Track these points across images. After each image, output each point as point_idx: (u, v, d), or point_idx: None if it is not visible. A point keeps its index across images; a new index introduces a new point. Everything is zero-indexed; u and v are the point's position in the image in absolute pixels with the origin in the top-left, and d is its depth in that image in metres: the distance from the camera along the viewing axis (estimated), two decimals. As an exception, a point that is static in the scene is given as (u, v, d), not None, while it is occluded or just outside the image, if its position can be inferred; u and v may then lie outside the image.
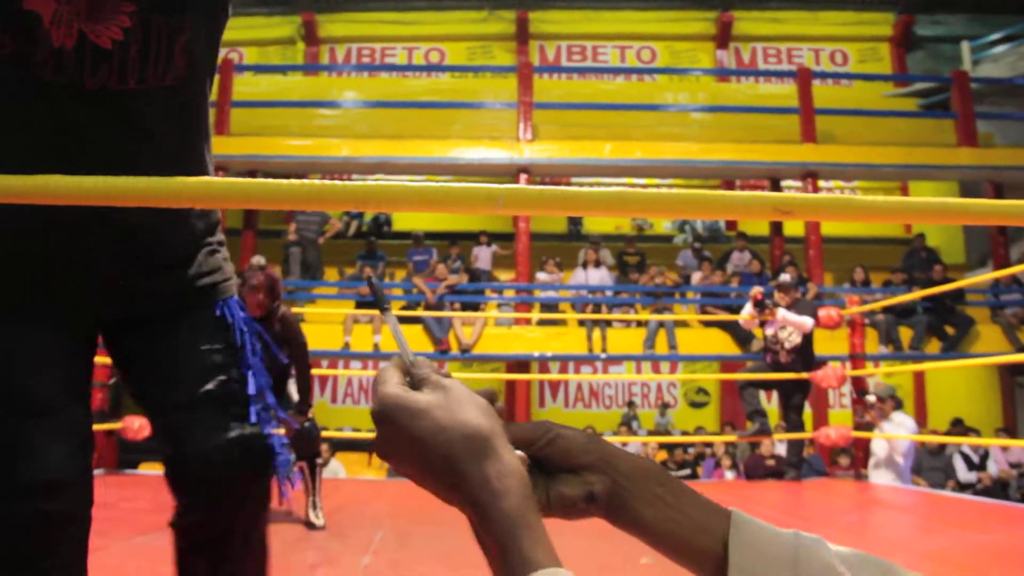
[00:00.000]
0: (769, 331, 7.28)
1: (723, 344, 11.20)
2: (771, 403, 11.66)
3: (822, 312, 7.23)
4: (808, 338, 7.14)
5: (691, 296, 11.71)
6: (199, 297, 1.55)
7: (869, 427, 7.29)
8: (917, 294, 9.63)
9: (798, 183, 12.62)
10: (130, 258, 1.48)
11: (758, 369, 7.43)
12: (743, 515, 0.69)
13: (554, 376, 12.86)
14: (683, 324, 11.21)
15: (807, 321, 7.00)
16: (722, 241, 13.92)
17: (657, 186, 15.08)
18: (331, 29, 15.71)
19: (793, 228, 12.62)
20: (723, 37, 15.46)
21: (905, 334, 11.41)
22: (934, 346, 11.47)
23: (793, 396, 7.21)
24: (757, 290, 7.37)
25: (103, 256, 1.45)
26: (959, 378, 13.42)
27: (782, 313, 7.07)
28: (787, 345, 7.11)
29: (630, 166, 12.10)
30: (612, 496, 0.70)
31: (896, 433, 7.20)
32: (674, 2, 15.49)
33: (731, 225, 14.16)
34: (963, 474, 10.62)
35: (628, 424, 12.95)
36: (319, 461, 4.49)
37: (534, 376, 12.46)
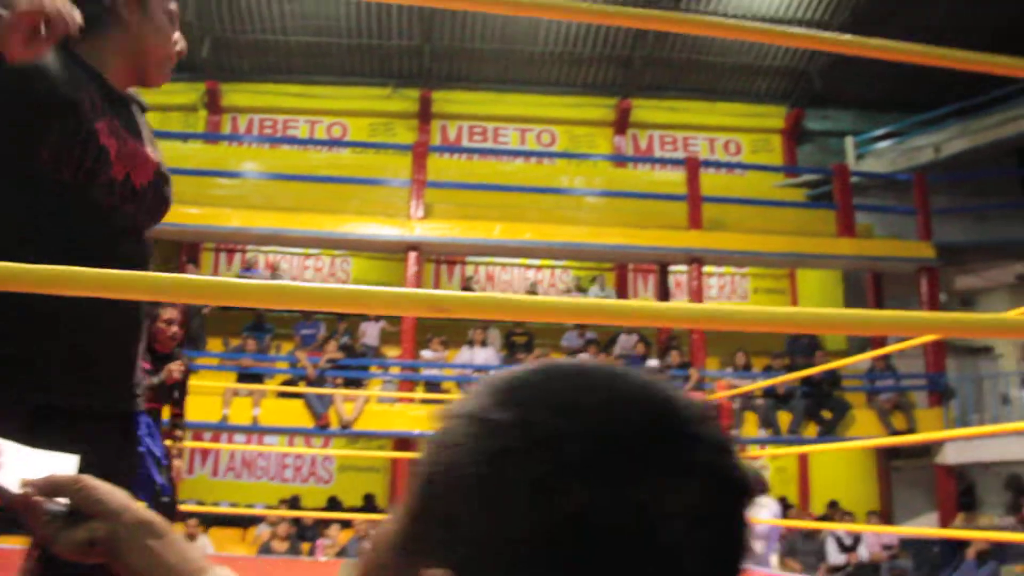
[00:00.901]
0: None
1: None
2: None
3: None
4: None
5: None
6: None
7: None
8: (778, 378, 9.82)
9: (684, 268, 12.87)
10: None
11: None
12: (221, 569, 0.81)
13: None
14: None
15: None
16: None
17: (552, 267, 15.27)
18: (234, 99, 15.68)
19: (679, 312, 12.82)
20: (621, 123, 15.84)
21: (784, 418, 11.62)
22: (812, 430, 11.69)
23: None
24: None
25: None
26: (838, 462, 13.66)
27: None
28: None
29: (520, 247, 12.23)
30: (110, 543, 0.80)
31: (758, 516, 7.27)
32: (575, 88, 15.85)
33: (624, 306, 14.34)
34: (834, 556, 10.75)
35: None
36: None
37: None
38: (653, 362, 7.58)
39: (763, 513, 7.35)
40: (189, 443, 11.62)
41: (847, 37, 1.87)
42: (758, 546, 7.24)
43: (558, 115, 15.89)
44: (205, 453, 14.04)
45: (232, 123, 15.85)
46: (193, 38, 14.66)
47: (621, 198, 13.20)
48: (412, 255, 11.95)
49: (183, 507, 10.60)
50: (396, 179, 12.57)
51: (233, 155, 14.08)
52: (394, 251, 12.60)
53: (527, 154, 15.54)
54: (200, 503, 12.06)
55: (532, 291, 14.59)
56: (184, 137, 14.76)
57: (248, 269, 13.75)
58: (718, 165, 15.20)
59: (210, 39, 14.84)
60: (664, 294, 13.95)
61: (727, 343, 12.91)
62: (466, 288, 14.46)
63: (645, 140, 16.14)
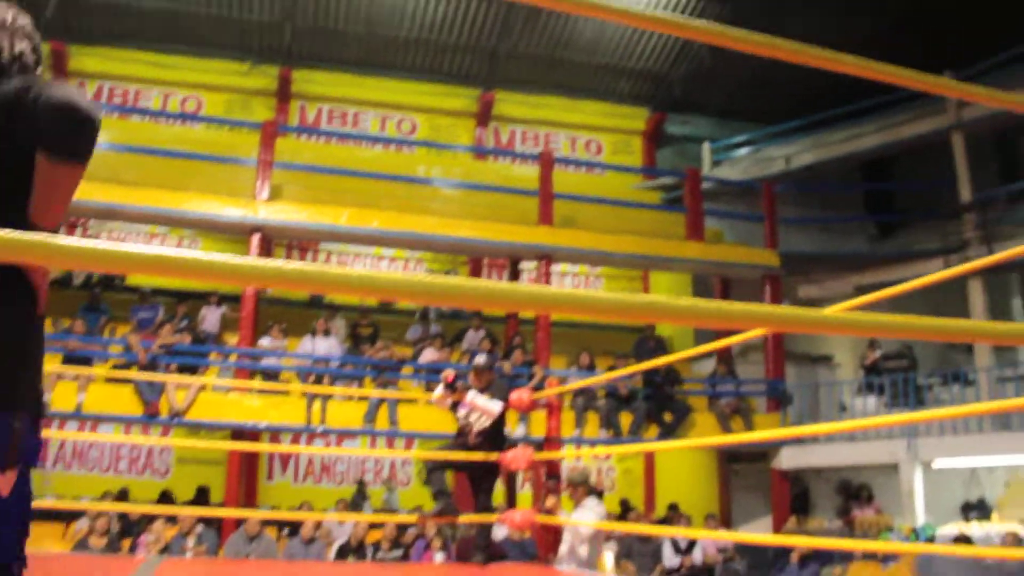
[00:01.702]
0: (460, 412, 7.22)
1: (449, 422, 11.08)
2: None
3: (513, 394, 7.23)
4: (499, 420, 7.11)
5: (413, 372, 11.60)
6: None
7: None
8: (614, 373, 9.89)
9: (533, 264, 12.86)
10: None
11: (449, 449, 7.34)
12: None
13: (279, 448, 12.43)
14: (409, 401, 11.03)
15: (492, 406, 6.96)
16: (464, 318, 13.94)
17: (406, 259, 15.06)
18: (84, 63, 14.84)
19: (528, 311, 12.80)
20: (484, 116, 15.73)
21: (626, 419, 11.74)
22: (653, 432, 11.85)
23: (482, 479, 7.14)
24: (449, 372, 7.30)
25: None
26: (682, 465, 13.93)
27: (471, 396, 7.02)
28: (476, 427, 7.06)
29: (368, 235, 11.97)
30: None
31: (583, 519, 7.24)
32: (439, 76, 15.64)
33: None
34: (669, 559, 10.92)
35: (358, 502, 12.58)
36: None
37: (262, 447, 11.92)
38: (481, 357, 7.43)
39: (589, 515, 7.33)
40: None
41: (720, 27, 1.83)
42: (583, 549, 7.22)
43: (420, 103, 15.67)
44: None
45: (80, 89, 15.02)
46: (35, -3, 13.83)
47: (477, 191, 13.10)
48: (255, 237, 11.55)
49: None
50: (244, 158, 12.11)
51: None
52: (237, 233, 12.18)
53: (386, 141, 15.27)
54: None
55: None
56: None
57: None
58: (576, 164, 15.28)
59: (55, -1, 13.98)
60: (516, 290, 13.90)
61: (573, 343, 12.98)
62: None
63: (507, 134, 16.09)
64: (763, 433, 10.95)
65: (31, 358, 1.87)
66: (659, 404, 11.98)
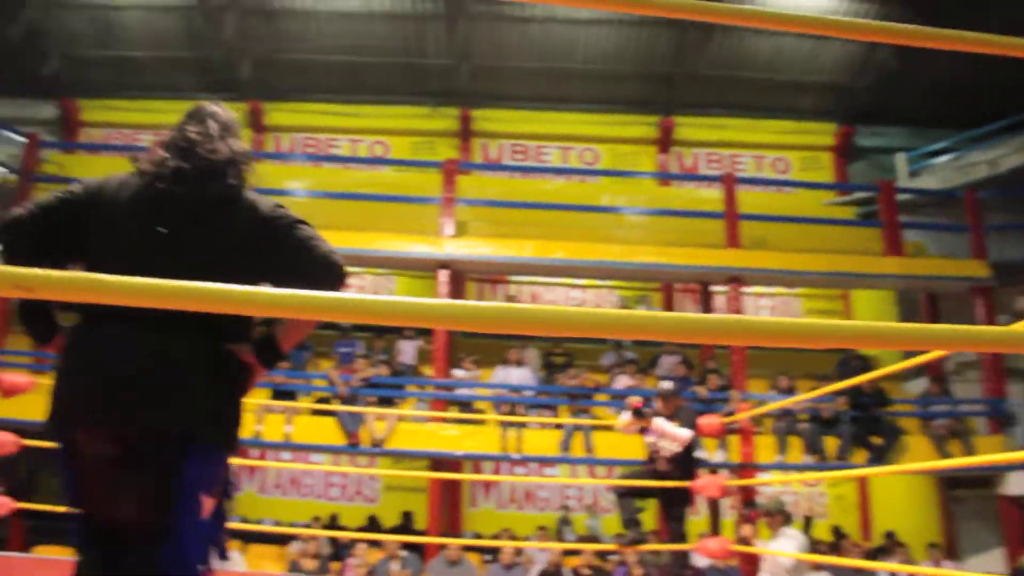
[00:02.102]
0: (649, 439, 7.08)
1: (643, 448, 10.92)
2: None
3: (703, 420, 7.02)
4: (689, 447, 6.92)
5: (608, 399, 11.49)
6: None
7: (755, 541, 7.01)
8: (810, 393, 9.45)
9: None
10: None
11: (637, 476, 7.20)
12: None
13: (473, 476, 12.58)
14: (605, 428, 10.93)
15: (681, 433, 6.78)
16: (658, 344, 13.76)
17: (597, 287, 15.04)
18: (277, 118, 15.77)
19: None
20: (665, 141, 15.58)
21: (831, 444, 11.17)
22: (861, 457, 11.21)
23: (672, 506, 6.94)
24: (634, 399, 7.17)
25: None
26: (897, 491, 13.13)
27: (660, 422, 6.87)
28: (665, 453, 6.89)
29: (552, 265, 12.02)
30: None
31: (782, 549, 6.92)
32: (617, 106, 15.62)
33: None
34: (888, 593, 10.27)
35: (561, 528, 12.60)
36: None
37: (461, 476, 12.11)
38: (667, 384, 7.26)
39: (788, 545, 6.99)
40: (235, 460, 11.68)
41: (914, 28, 1.72)
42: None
43: (601, 133, 15.68)
44: (252, 470, 14.07)
45: (275, 142, 15.96)
46: (234, 59, 14.83)
47: (662, 216, 12.93)
48: (443, 273, 11.82)
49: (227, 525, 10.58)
50: (429, 197, 12.45)
51: (277, 174, 14.12)
52: (424, 269, 12.50)
53: (569, 172, 15.35)
54: (244, 520, 12.05)
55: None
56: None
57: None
58: (763, 183, 14.86)
59: (250, 59, 14.97)
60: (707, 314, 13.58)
61: (771, 365, 12.54)
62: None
63: (690, 158, 15.86)
64: (987, 457, 10.13)
65: (241, 417, 2.45)
66: (866, 427, 11.33)
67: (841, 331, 1.41)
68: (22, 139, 13.05)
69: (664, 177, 15.32)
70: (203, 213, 2.39)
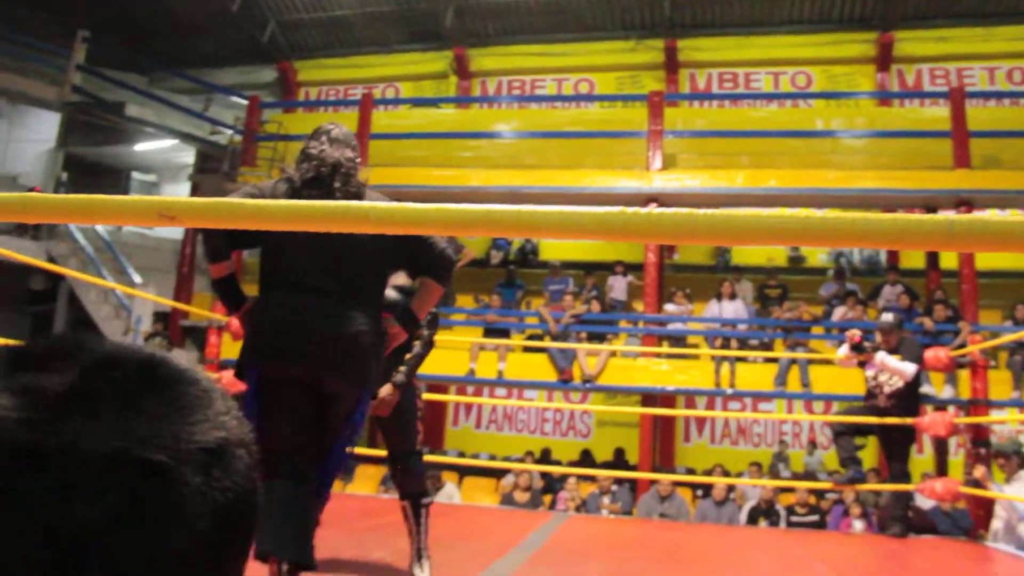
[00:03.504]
0: (869, 373, 6.80)
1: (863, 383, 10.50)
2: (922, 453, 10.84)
3: (928, 353, 6.67)
4: (913, 382, 6.60)
5: (825, 331, 11.08)
6: None
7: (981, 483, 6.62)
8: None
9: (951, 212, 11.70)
10: None
11: (857, 412, 6.94)
12: None
13: (685, 412, 12.54)
14: (823, 362, 10.58)
15: (905, 368, 6.46)
16: (880, 274, 13.13)
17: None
18: (482, 63, 16.01)
19: (949, 261, 11.72)
20: (884, 59, 14.59)
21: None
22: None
23: (894, 444, 6.67)
24: (854, 332, 6.88)
25: None
26: None
27: (881, 356, 6.57)
28: (886, 389, 6.60)
29: (765, 195, 11.59)
30: None
31: (1019, 494, 6.49)
32: (830, 25, 14.77)
33: (891, 257, 13.33)
34: None
35: (776, 464, 12.44)
36: (425, 501, 3.85)
37: (673, 412, 12.11)
38: (888, 316, 6.90)
39: (1024, 493, 6.53)
40: (451, 397, 12.22)
41: None
42: (1020, 530, 6.45)
43: (813, 55, 14.89)
44: (468, 407, 14.66)
45: (482, 87, 16.23)
46: (437, 8, 15.13)
47: (883, 138, 12.17)
48: (651, 207, 11.68)
49: (445, 459, 11.13)
50: (635, 131, 12.29)
51: (484, 117, 14.40)
52: (632, 204, 12.39)
53: (780, 97, 14.75)
54: (461, 454, 12.60)
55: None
56: (435, 102, 15.26)
57: None
58: (997, 96, 13.66)
59: (453, 7, 15.20)
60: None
61: (1008, 295, 11.70)
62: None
63: (912, 75, 14.80)
64: None
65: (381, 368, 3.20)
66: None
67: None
68: (244, 102, 13.96)
69: (884, 96, 14.37)
70: None
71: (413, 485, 3.85)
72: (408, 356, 3.93)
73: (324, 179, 3.04)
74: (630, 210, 1.45)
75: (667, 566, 4.99)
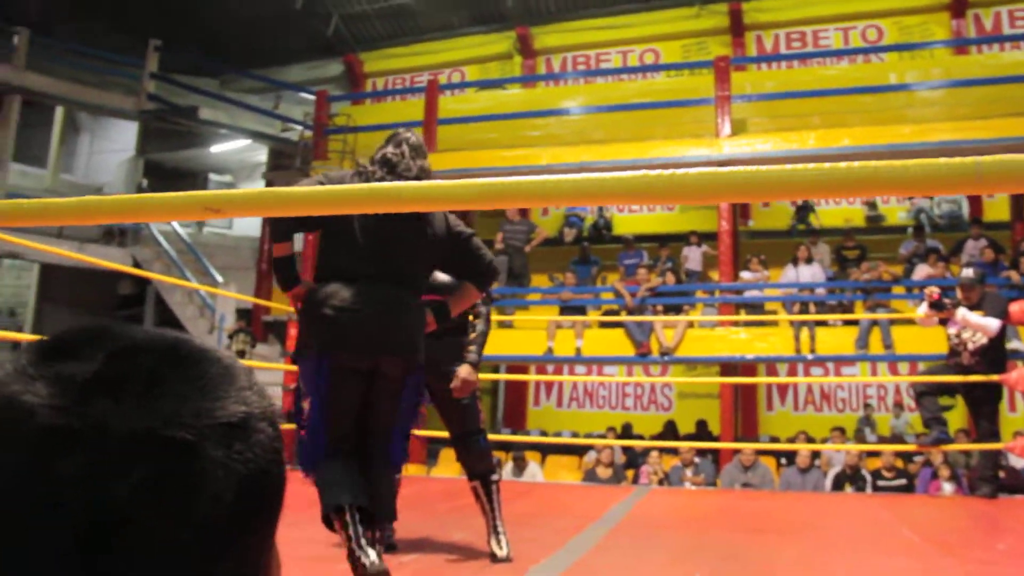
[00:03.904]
0: (951, 330, 6.63)
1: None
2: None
3: (1014, 307, 6.48)
4: (998, 338, 6.42)
5: (907, 291, 10.81)
6: None
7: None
8: None
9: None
10: None
11: (939, 371, 6.78)
12: None
13: (764, 379, 12.39)
14: (905, 321, 10.32)
15: (988, 323, 6.29)
16: (962, 229, 12.73)
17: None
18: (546, 40, 15.94)
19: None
20: (959, 4, 14.06)
21: None
22: None
23: (980, 402, 6.50)
24: (933, 289, 6.71)
25: None
26: None
27: (962, 313, 6.40)
28: (970, 346, 6.43)
29: (838, 154, 11.30)
30: None
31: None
32: (901, -26, 14.30)
33: (973, 210, 12.93)
34: None
35: (861, 428, 12.24)
36: (494, 478, 3.97)
37: (753, 380, 11.97)
38: (968, 271, 6.71)
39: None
40: (531, 376, 12.29)
41: None
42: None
43: (884, 7, 14.43)
44: (548, 386, 14.71)
45: (547, 64, 16.17)
46: (497, -10, 15.10)
47: (961, 88, 11.74)
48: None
49: (528, 438, 11.20)
50: (702, 99, 12.11)
51: (551, 95, 14.37)
52: (705, 172, 12.26)
53: (852, 53, 14.34)
54: (543, 433, 12.67)
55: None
56: (501, 83, 15.26)
57: None
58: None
59: (512, -14, 15.16)
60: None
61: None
62: (804, 207, 13.79)
63: (990, 19, 14.22)
64: None
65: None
66: None
67: None
68: (313, 97, 14.19)
69: (961, 44, 13.83)
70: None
71: (480, 464, 3.93)
72: (473, 335, 4.02)
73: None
74: (681, 171, 1.43)
75: (747, 535, 4.96)
